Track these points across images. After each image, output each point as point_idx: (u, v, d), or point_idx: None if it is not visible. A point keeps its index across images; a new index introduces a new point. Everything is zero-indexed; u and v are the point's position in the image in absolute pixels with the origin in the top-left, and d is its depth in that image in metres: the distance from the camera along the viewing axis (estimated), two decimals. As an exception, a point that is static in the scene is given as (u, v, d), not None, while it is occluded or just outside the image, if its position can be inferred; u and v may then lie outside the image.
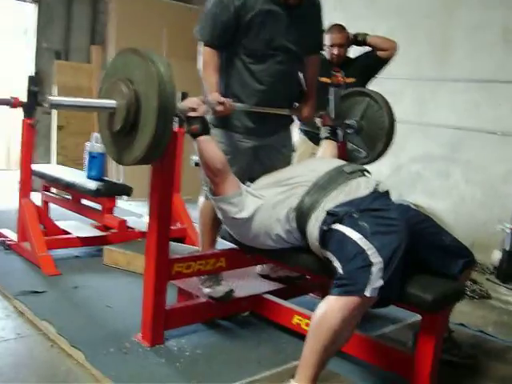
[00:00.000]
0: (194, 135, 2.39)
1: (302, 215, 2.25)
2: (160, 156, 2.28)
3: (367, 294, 1.84)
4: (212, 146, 2.42)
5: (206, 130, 2.40)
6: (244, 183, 2.54)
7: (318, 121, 3.03)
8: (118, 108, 2.21)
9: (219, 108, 2.53)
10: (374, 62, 3.88)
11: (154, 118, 2.10)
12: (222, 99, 2.54)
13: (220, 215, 2.49)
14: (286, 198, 2.31)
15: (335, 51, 3.78)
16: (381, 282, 1.86)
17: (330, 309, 1.86)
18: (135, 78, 2.20)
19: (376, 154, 3.15)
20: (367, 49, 3.94)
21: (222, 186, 2.39)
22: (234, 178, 2.45)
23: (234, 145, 2.75)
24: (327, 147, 2.89)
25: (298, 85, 2.98)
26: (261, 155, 2.84)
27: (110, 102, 2.24)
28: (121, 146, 2.31)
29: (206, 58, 2.69)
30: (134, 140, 2.22)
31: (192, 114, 2.37)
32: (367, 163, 3.15)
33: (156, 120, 2.10)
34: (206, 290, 2.73)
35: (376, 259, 1.88)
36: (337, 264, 1.98)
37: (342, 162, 2.46)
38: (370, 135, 3.14)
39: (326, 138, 2.93)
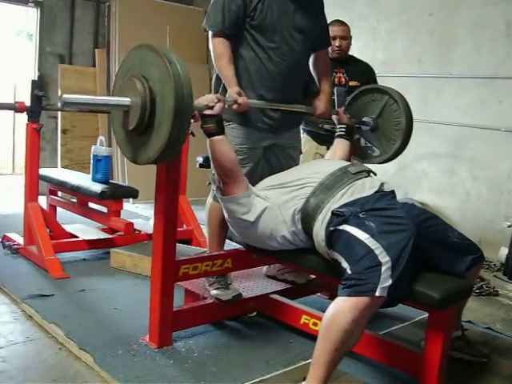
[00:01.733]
0: (209, 134, 2.36)
1: (307, 216, 2.26)
2: (175, 156, 2.26)
3: (377, 293, 1.83)
4: (225, 145, 2.40)
5: (220, 130, 2.37)
6: (253, 184, 2.54)
7: (334, 118, 3.01)
8: (133, 106, 2.15)
9: (235, 107, 2.49)
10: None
11: (170, 118, 2.03)
12: (239, 98, 2.49)
13: (226, 215, 2.50)
14: (291, 200, 2.31)
15: (337, 43, 3.79)
16: (390, 282, 1.85)
17: (341, 309, 1.85)
18: (151, 76, 2.13)
19: (390, 155, 3.07)
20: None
21: (232, 186, 2.38)
22: (244, 178, 2.44)
23: (250, 142, 2.74)
24: (340, 146, 2.87)
25: (309, 75, 2.97)
26: (270, 156, 2.84)
27: (125, 100, 2.17)
28: (135, 145, 2.25)
29: (218, 49, 2.64)
30: (148, 140, 2.16)
31: (208, 112, 2.32)
32: (380, 162, 3.13)
33: (172, 120, 2.03)
34: (214, 292, 2.73)
35: (384, 259, 1.88)
36: (345, 264, 1.97)
37: (347, 163, 2.46)
38: (385, 134, 3.06)
39: (340, 136, 2.90)
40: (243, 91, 2.59)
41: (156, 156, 2.13)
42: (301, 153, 3.15)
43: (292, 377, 2.25)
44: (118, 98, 2.24)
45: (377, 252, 1.89)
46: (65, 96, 2.05)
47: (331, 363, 1.87)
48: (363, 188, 2.24)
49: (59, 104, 2.03)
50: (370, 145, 3.12)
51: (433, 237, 2.19)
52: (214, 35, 2.65)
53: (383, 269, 1.86)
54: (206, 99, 2.34)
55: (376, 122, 3.06)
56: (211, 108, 2.32)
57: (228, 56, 2.63)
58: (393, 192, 2.33)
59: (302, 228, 2.29)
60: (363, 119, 3.06)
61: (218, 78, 2.73)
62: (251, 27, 2.66)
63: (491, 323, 3.09)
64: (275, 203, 2.34)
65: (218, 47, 2.65)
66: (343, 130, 2.92)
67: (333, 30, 3.80)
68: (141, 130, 2.16)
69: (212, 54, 2.68)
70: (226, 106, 2.43)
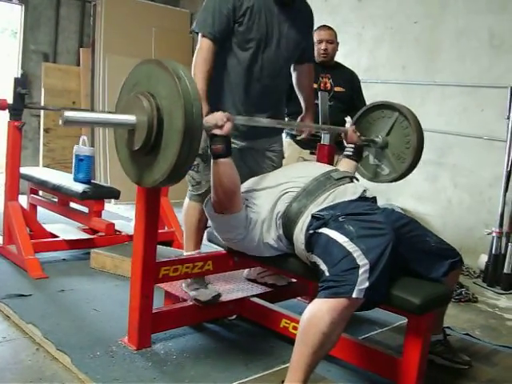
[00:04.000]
0: (216, 155, 2.20)
1: (288, 221, 2.25)
2: (182, 178, 2.11)
3: (354, 295, 1.84)
4: (231, 168, 2.24)
5: (228, 152, 2.21)
6: None
7: (343, 137, 2.89)
8: (139, 125, 2.00)
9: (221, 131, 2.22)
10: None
11: (179, 139, 1.88)
12: (226, 118, 2.24)
13: (214, 229, 2.47)
14: (274, 206, 2.30)
15: (323, 46, 3.81)
16: (367, 284, 1.86)
17: (318, 311, 1.85)
18: (158, 93, 1.99)
19: (400, 173, 2.99)
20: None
21: (227, 207, 2.27)
22: (240, 199, 2.31)
23: None
24: (345, 167, 2.73)
25: (290, 85, 2.98)
26: (248, 159, 2.84)
27: (130, 119, 2.03)
28: (140, 166, 2.11)
29: (201, 50, 2.63)
30: (154, 161, 2.01)
31: (218, 132, 2.17)
32: (390, 181, 3.08)
33: (181, 141, 1.88)
34: (193, 293, 2.72)
35: (362, 261, 1.88)
36: (323, 267, 1.98)
37: (330, 168, 2.46)
38: (395, 152, 2.98)
39: (348, 156, 2.79)
40: (223, 97, 2.67)
41: (163, 179, 2.00)
42: (283, 156, 3.14)
43: (271, 380, 2.25)
44: (122, 117, 2.09)
45: (355, 255, 1.90)
46: (66, 114, 1.87)
47: (309, 366, 1.87)
48: (345, 193, 2.25)
49: (60, 122, 1.86)
50: (379, 163, 3.06)
51: (411, 241, 2.21)
52: (203, 37, 2.65)
53: (361, 271, 1.87)
54: (215, 118, 2.19)
55: (386, 139, 2.98)
56: (221, 127, 2.19)
57: (208, 66, 2.62)
58: (374, 198, 2.34)
59: (283, 233, 2.29)
60: (373, 137, 2.99)
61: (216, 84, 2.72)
62: (238, 33, 2.67)
63: (470, 329, 3.12)
64: (261, 212, 2.31)
65: (204, 52, 2.64)
66: (351, 150, 2.79)
67: (319, 34, 3.83)
68: (146, 151, 2.02)
69: (195, 56, 2.67)
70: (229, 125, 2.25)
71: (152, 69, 2.05)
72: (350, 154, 2.79)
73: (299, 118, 3.04)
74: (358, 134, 2.86)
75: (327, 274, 1.94)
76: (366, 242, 1.94)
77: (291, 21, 2.76)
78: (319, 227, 2.08)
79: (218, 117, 2.19)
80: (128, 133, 2.09)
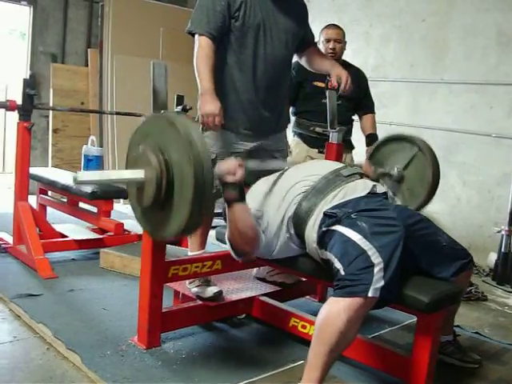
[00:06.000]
0: (229, 202, 2.16)
1: (299, 220, 2.24)
2: (197, 230, 2.14)
3: (370, 294, 1.84)
4: (247, 214, 2.20)
5: (242, 197, 2.18)
6: None
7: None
8: (147, 182, 1.95)
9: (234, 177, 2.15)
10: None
11: (191, 190, 1.84)
12: (238, 165, 2.15)
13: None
14: (285, 208, 2.28)
15: (331, 45, 3.80)
16: (382, 283, 1.86)
17: (335, 310, 1.85)
18: (163, 145, 1.94)
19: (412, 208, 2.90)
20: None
21: (248, 250, 2.26)
22: (260, 236, 2.25)
23: (228, 147, 2.74)
24: None
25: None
26: (254, 158, 2.84)
27: (138, 176, 1.98)
28: (153, 221, 2.08)
29: (201, 53, 2.61)
30: (167, 217, 1.97)
31: (231, 179, 2.12)
32: None
33: (192, 201, 1.84)
34: (195, 290, 2.73)
35: (377, 260, 1.88)
36: (338, 265, 1.97)
37: (339, 165, 2.45)
38: (409, 187, 2.92)
39: None
40: (227, 96, 2.65)
41: (177, 234, 2.00)
42: (287, 155, 3.14)
43: (281, 379, 2.25)
44: (131, 174, 2.04)
45: (369, 253, 1.90)
46: (77, 175, 1.86)
47: (326, 364, 1.87)
48: (355, 190, 2.24)
49: (73, 183, 1.90)
50: (392, 195, 2.97)
51: (422, 239, 2.20)
52: (201, 36, 2.64)
53: (376, 270, 1.86)
54: (228, 166, 2.13)
55: (402, 173, 2.91)
56: (233, 174, 2.12)
57: (211, 62, 2.60)
58: (385, 193, 2.33)
59: (294, 232, 2.28)
60: (389, 170, 2.92)
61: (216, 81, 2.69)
62: (235, 29, 2.67)
63: (479, 328, 3.11)
64: (270, 212, 2.29)
65: (203, 49, 2.62)
66: None
67: (327, 33, 3.83)
68: (159, 206, 1.98)
69: (195, 55, 2.65)
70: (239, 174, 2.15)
71: (164, 126, 1.99)
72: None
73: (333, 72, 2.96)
74: (373, 168, 2.79)
75: (342, 272, 1.93)
76: (379, 239, 1.94)
77: (285, 12, 2.76)
78: (332, 225, 2.08)
79: (230, 165, 2.14)
80: (137, 190, 2.06)
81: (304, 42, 2.95)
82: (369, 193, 2.23)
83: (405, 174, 2.91)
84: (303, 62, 3.08)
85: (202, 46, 2.63)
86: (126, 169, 2.12)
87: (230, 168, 2.12)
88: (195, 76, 2.66)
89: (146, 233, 2.27)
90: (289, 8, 2.79)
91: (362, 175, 2.39)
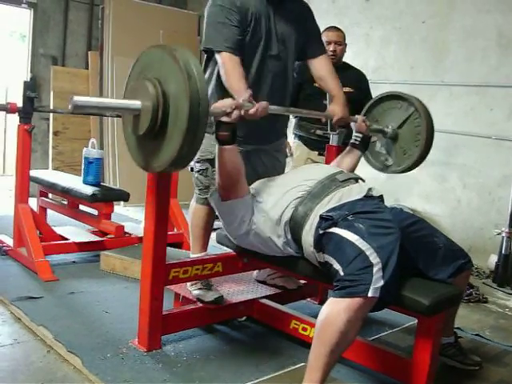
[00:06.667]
0: (221, 142, 2.27)
1: (296, 225, 2.26)
2: (187, 165, 2.17)
3: (370, 294, 1.84)
4: (235, 155, 2.35)
5: (234, 139, 2.29)
6: None
7: (352, 125, 2.85)
8: (143, 110, 2.03)
9: (252, 111, 2.27)
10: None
11: (185, 123, 1.90)
12: (255, 103, 2.30)
13: (222, 222, 2.50)
14: (281, 211, 2.30)
15: (331, 48, 3.80)
16: (382, 282, 1.86)
17: (335, 311, 1.86)
18: (165, 80, 2.00)
19: (402, 168, 2.98)
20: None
21: (233, 191, 2.37)
22: (245, 184, 2.43)
23: None
24: (349, 155, 2.77)
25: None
26: (253, 159, 2.84)
27: (135, 103, 2.05)
28: (146, 151, 2.15)
29: (228, 67, 2.53)
30: (160, 146, 2.04)
31: (226, 119, 2.21)
32: (389, 173, 3.09)
33: (186, 126, 1.89)
34: (196, 292, 2.74)
35: (375, 260, 1.89)
36: (337, 266, 1.97)
37: (335, 170, 2.46)
38: (402, 146, 2.95)
39: (353, 145, 2.79)
40: None
41: (168, 164, 2.03)
42: (287, 156, 3.15)
43: (282, 381, 2.25)
44: (128, 102, 2.11)
45: (367, 253, 1.90)
46: (75, 98, 1.92)
47: (327, 365, 1.87)
48: (350, 193, 2.25)
49: (70, 106, 1.92)
50: (385, 152, 3.03)
51: (419, 241, 2.21)
52: (221, 52, 2.56)
53: (375, 269, 1.87)
54: (223, 105, 2.21)
55: (396, 131, 2.94)
56: (228, 115, 2.21)
57: (239, 72, 2.53)
58: (381, 197, 2.34)
59: (291, 237, 2.30)
60: (383, 127, 2.95)
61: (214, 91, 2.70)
62: (246, 41, 2.64)
63: (480, 330, 3.11)
64: (266, 214, 2.34)
65: (227, 64, 2.55)
66: (358, 139, 2.79)
67: (327, 36, 3.83)
68: (152, 136, 2.05)
69: (222, 72, 2.58)
70: (243, 112, 2.26)
71: (154, 54, 2.10)
72: (356, 143, 2.79)
73: (329, 106, 2.91)
74: (367, 123, 2.83)
75: (342, 273, 1.93)
76: (377, 240, 1.95)
77: (285, 18, 2.75)
78: (329, 227, 2.08)
79: (226, 103, 2.21)
80: (133, 118, 2.11)
81: (307, 50, 2.89)
82: (364, 196, 2.24)
83: (399, 133, 2.93)
84: (311, 70, 2.97)
85: (225, 61, 2.56)
86: (124, 97, 2.19)
87: (226, 108, 2.18)
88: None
89: (139, 165, 2.23)
90: (288, 15, 2.77)
91: (357, 180, 2.40)
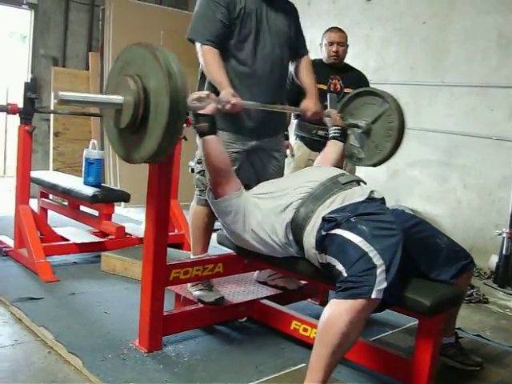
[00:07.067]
0: (201, 133, 2.38)
1: (297, 226, 2.26)
2: (168, 156, 2.24)
3: (373, 295, 1.84)
4: (218, 145, 2.42)
5: (213, 129, 2.39)
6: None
7: (327, 120, 2.99)
8: (125, 105, 2.11)
9: (228, 107, 2.47)
10: None
11: (165, 116, 1.99)
12: (233, 98, 2.49)
13: (220, 221, 2.51)
14: (283, 212, 2.31)
15: (334, 48, 3.80)
16: (385, 284, 1.86)
17: (337, 312, 1.85)
18: (146, 77, 2.09)
19: (373, 162, 3.10)
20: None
21: (225, 186, 2.40)
22: (237, 179, 2.46)
23: (226, 146, 2.74)
24: (333, 149, 2.87)
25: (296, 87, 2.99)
26: (252, 158, 2.85)
27: (117, 98, 2.14)
28: (127, 144, 2.23)
29: (207, 58, 2.66)
30: (141, 139, 2.12)
31: (202, 111, 2.34)
32: (360, 165, 3.21)
33: (167, 121, 1.99)
34: (196, 293, 2.74)
35: (379, 261, 1.89)
36: (340, 267, 1.97)
37: (337, 172, 2.46)
38: (374, 141, 3.07)
39: (334, 138, 2.89)
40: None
41: (148, 157, 2.12)
42: (287, 156, 3.16)
43: (282, 382, 2.25)
44: (111, 97, 2.20)
45: (371, 255, 1.90)
46: (61, 93, 2.04)
47: (329, 366, 1.87)
48: (353, 196, 2.26)
49: (55, 100, 2.03)
50: (358, 146, 3.13)
51: (421, 242, 2.20)
52: (203, 45, 2.67)
53: (378, 271, 1.87)
54: (196, 94, 2.36)
55: (370, 126, 3.06)
56: (200, 101, 2.33)
57: (218, 62, 2.65)
58: (382, 199, 2.34)
59: (293, 239, 2.30)
60: (358, 122, 3.05)
61: (201, 81, 2.79)
62: (234, 35, 2.70)
63: (481, 330, 3.10)
64: (266, 214, 2.34)
65: (207, 56, 2.66)
66: (338, 132, 2.90)
67: (330, 36, 3.83)
68: (133, 130, 2.13)
69: (202, 63, 2.71)
70: (220, 106, 2.43)
71: (135, 51, 2.20)
72: (338, 135, 2.90)
73: (303, 102, 3.01)
74: (341, 116, 2.98)
75: (345, 274, 1.93)
76: (380, 242, 1.95)
77: (277, 15, 2.81)
78: (332, 229, 2.08)
79: (199, 93, 2.37)
80: (115, 112, 2.19)
81: (295, 49, 2.96)
82: (367, 198, 2.24)
83: (372, 128, 3.06)
84: (291, 69, 3.06)
85: (206, 53, 2.67)
86: (106, 92, 2.29)
87: (198, 95, 2.33)
88: (196, 79, 2.69)
89: (120, 157, 2.31)
90: (280, 11, 2.83)
91: (358, 182, 2.41)
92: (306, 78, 3.01)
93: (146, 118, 2.08)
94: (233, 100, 2.48)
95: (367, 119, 3.07)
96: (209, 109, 2.35)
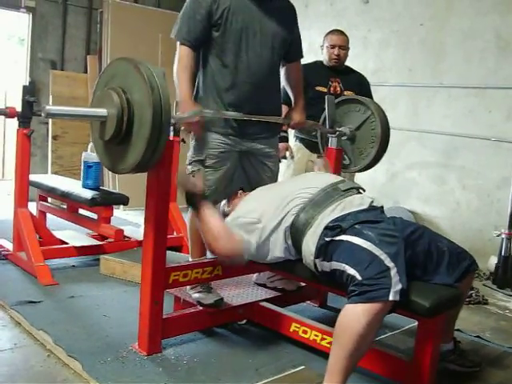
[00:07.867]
0: (195, 209, 2.39)
1: (297, 231, 2.26)
2: (152, 166, 2.26)
3: (390, 297, 1.84)
4: (213, 215, 2.36)
5: (203, 199, 2.39)
6: (230, 193, 2.62)
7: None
8: (109, 118, 2.17)
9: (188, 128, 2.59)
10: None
11: (148, 128, 2.06)
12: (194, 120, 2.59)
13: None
14: (282, 219, 2.30)
15: (336, 52, 3.80)
16: (400, 286, 1.87)
17: (354, 314, 1.85)
18: (127, 87, 2.16)
19: (358, 168, 3.22)
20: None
21: (227, 247, 2.31)
22: (235, 238, 2.32)
23: (216, 148, 2.76)
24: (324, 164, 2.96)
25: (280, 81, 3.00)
26: (246, 165, 2.86)
27: (102, 111, 2.19)
28: (113, 155, 2.29)
29: (183, 62, 2.68)
30: (125, 151, 2.19)
31: (193, 191, 2.37)
32: (345, 171, 3.28)
33: (149, 133, 2.06)
34: (196, 295, 2.73)
35: (390, 264, 1.89)
36: (351, 271, 1.96)
37: (337, 179, 2.46)
38: (359, 147, 3.18)
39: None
40: (210, 100, 2.73)
41: (132, 168, 2.19)
42: (283, 158, 3.17)
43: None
44: (95, 110, 2.26)
45: (382, 257, 1.91)
46: (48, 107, 2.12)
47: (347, 368, 1.88)
48: (352, 204, 2.26)
49: (42, 114, 2.11)
50: (343, 152, 3.18)
51: (422, 248, 2.19)
52: (181, 45, 2.70)
53: (392, 273, 1.88)
54: (191, 184, 2.39)
55: (354, 133, 3.15)
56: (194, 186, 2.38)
57: (189, 66, 2.69)
58: (382, 207, 2.35)
59: (292, 244, 2.30)
60: (342, 129, 3.11)
61: (201, 86, 2.80)
62: (218, 36, 2.70)
63: (480, 332, 3.10)
64: (268, 227, 2.31)
65: (183, 59, 2.69)
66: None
67: (332, 39, 3.83)
68: (118, 141, 2.19)
69: (176, 62, 2.71)
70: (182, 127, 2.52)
71: (119, 65, 2.25)
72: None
73: (288, 111, 3.05)
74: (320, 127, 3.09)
75: (359, 277, 1.91)
76: (387, 247, 1.96)
77: (272, 16, 2.77)
78: (337, 235, 2.09)
79: (192, 182, 2.42)
80: (100, 124, 2.24)
81: (289, 51, 2.93)
82: (367, 207, 2.25)
83: (356, 134, 3.16)
84: (282, 71, 3.03)
85: (181, 56, 2.69)
86: (91, 106, 2.35)
87: (192, 188, 2.37)
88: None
89: (106, 167, 2.41)
90: (275, 12, 2.78)
91: (358, 190, 2.41)
92: (294, 89, 3.04)
93: (130, 130, 2.15)
94: (191, 119, 2.59)
95: (351, 126, 3.15)
96: (197, 189, 2.38)
